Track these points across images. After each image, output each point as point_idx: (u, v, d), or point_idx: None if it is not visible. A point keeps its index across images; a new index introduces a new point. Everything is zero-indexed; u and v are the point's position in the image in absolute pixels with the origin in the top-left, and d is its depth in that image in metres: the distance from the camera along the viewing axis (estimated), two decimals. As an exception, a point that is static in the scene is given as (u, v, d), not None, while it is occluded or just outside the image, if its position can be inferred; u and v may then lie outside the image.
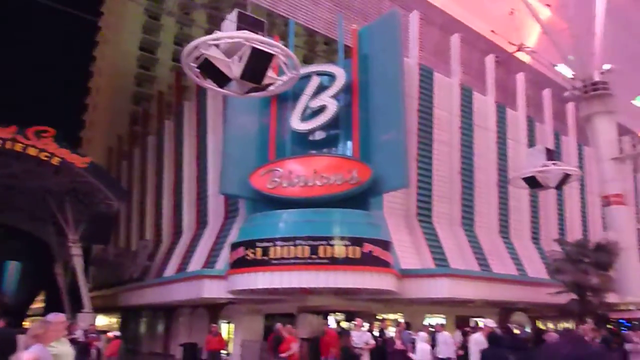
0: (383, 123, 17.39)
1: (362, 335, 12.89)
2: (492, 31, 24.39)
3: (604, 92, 20.88)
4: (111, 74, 42.85)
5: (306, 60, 20.62)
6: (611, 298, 18.49)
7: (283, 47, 9.39)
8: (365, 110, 17.92)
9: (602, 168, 20.80)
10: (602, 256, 17.69)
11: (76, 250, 22.49)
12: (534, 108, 25.96)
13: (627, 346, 12.72)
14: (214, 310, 20.09)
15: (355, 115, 17.97)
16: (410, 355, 10.70)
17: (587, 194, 27.60)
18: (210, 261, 19.00)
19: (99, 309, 25.34)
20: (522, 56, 24.38)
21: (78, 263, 22.53)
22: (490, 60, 24.43)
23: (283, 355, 11.16)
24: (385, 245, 15.88)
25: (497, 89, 24.37)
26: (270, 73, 9.11)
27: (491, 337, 8.11)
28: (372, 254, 15.28)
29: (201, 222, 22.01)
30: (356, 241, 15.23)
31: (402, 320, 17.12)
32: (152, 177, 27.57)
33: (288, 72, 9.78)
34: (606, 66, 21.15)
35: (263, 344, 17.77)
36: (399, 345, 12.61)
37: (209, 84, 9.53)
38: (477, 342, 9.54)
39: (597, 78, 21.01)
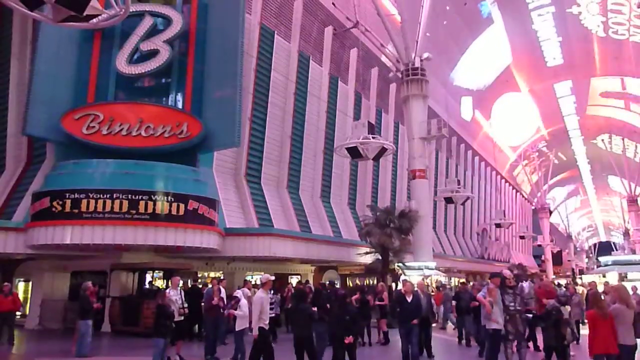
0: (219, 78, 16.77)
1: (178, 293, 12.67)
2: (333, 4, 25.21)
3: (422, 77, 23.23)
4: None
5: (140, -2, 18.64)
6: (407, 259, 21.22)
7: (112, -24, 8.28)
8: (200, 62, 17.06)
9: (412, 145, 23.25)
10: (405, 222, 19.91)
11: None
12: (362, 84, 27.82)
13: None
14: (7, 267, 17.71)
15: (190, 66, 17.01)
16: (232, 312, 10.87)
17: (398, 167, 30.93)
18: (5, 212, 16.50)
19: None
20: (357, 33, 25.69)
21: None
22: (328, 32, 25.27)
23: None
24: (212, 203, 15.63)
25: (331, 61, 25.46)
26: (94, 3, 7.97)
27: (296, 294, 8.77)
28: (197, 211, 14.93)
29: (-4, 165, 18.89)
30: (181, 197, 14.67)
31: (222, 277, 17.25)
32: None
33: (116, 6, 8.69)
34: (425, 54, 23.52)
35: (68, 304, 16.39)
36: (216, 301, 12.72)
37: (14, 4, 7.95)
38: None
39: (417, 64, 23.24)
